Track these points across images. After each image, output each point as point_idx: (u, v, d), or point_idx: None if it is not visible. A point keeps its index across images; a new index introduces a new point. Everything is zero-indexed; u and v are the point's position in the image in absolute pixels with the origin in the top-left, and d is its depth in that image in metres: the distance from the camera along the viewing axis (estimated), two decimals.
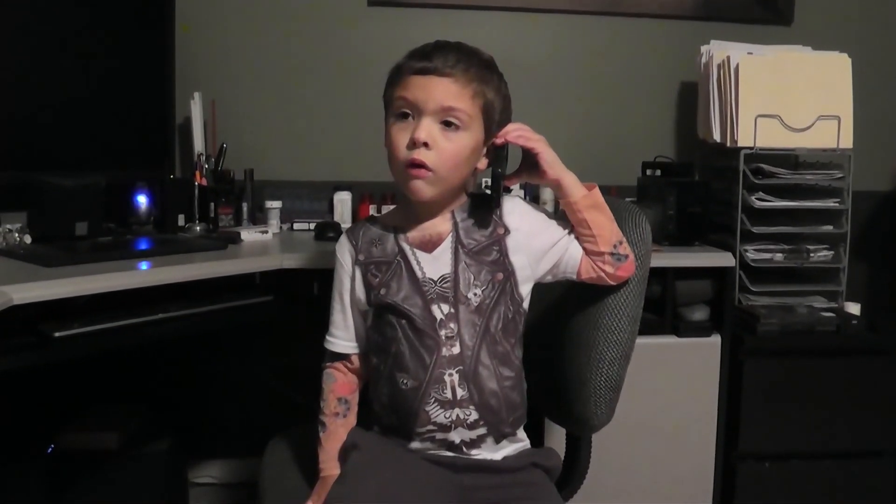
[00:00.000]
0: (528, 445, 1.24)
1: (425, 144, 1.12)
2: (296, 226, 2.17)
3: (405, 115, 1.14)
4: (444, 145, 1.13)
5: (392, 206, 1.73)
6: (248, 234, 1.94)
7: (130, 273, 1.47)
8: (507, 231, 1.19)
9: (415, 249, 1.19)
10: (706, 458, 1.96)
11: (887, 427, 2.00)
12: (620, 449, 1.86)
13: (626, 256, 1.20)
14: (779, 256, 2.07)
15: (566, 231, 1.22)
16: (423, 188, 1.15)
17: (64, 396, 1.98)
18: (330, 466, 1.22)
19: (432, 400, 1.14)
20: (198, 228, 1.99)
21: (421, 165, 1.12)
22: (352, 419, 1.26)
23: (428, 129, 1.12)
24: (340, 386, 1.26)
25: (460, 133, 1.14)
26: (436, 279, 1.17)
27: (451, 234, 1.19)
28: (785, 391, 1.96)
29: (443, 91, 1.12)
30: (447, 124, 1.13)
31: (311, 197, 2.22)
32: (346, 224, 2.08)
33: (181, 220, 2.01)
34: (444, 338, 1.14)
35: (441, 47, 1.15)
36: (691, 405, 1.93)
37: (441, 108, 1.12)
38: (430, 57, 1.14)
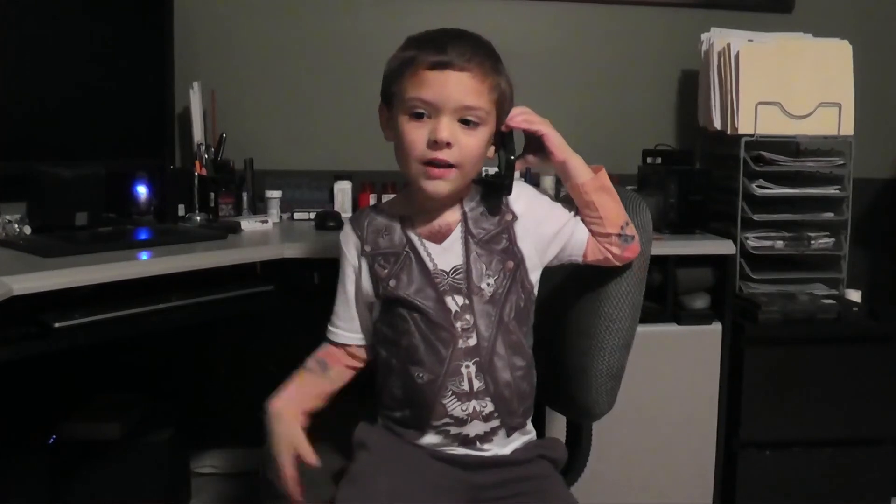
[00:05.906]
0: (535, 437, 1.24)
1: (448, 144, 1.09)
2: (296, 215, 2.16)
3: (420, 115, 1.10)
4: (465, 141, 1.10)
5: (393, 195, 1.72)
6: (249, 224, 1.94)
7: (130, 263, 1.47)
8: (514, 217, 1.18)
9: (423, 240, 1.17)
10: (707, 446, 1.96)
11: (888, 414, 2.00)
12: (621, 437, 1.87)
13: (633, 237, 1.20)
14: (780, 244, 2.07)
15: (571, 213, 1.21)
16: (444, 187, 1.12)
17: (65, 387, 1.99)
18: (276, 401, 1.18)
19: (449, 393, 1.12)
20: (198, 218, 1.99)
21: (445, 165, 1.10)
22: (321, 386, 1.22)
23: (450, 128, 1.09)
24: (326, 353, 1.25)
25: (479, 128, 1.11)
26: (448, 270, 1.15)
27: (459, 223, 1.17)
28: (786, 379, 1.96)
29: (462, 88, 1.08)
30: (466, 122, 1.10)
31: (312, 186, 2.21)
32: (346, 213, 2.08)
33: (181, 210, 2.01)
34: (459, 330, 1.13)
35: (452, 37, 1.10)
36: (692, 393, 1.93)
37: (461, 107, 1.09)
38: (445, 49, 1.08)
